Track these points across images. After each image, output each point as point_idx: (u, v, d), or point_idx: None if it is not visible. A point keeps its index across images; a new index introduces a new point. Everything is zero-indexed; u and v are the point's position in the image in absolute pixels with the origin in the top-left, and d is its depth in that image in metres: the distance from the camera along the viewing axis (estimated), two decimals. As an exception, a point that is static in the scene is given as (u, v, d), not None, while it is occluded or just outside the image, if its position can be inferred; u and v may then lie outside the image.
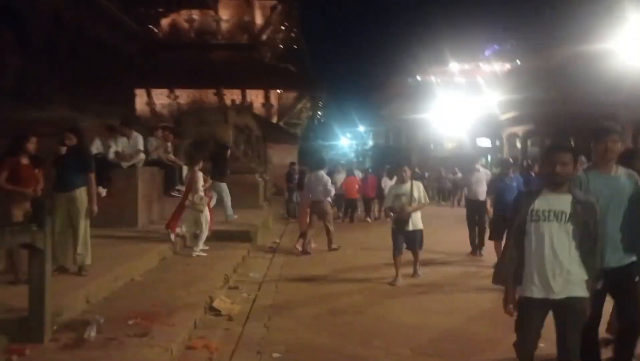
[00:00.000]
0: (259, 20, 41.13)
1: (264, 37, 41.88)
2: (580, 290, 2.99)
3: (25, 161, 5.73)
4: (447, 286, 6.93)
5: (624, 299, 3.46)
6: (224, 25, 38.93)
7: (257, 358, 4.32)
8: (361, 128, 59.11)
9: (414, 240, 7.17)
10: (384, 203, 7.62)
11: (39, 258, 4.04)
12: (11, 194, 5.51)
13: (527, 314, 3.08)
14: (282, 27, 44.61)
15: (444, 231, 10.80)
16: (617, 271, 3.34)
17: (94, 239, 6.66)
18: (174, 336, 4.35)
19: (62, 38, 13.44)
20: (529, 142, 28.61)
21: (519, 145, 29.20)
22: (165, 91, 37.21)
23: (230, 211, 11.49)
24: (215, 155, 12.51)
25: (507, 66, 39.33)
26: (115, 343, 4.06)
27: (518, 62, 36.19)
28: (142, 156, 10.22)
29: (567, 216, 2.96)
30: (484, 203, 8.84)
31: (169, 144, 12.29)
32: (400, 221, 7.08)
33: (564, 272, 2.96)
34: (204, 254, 8.14)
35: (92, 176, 5.97)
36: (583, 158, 9.64)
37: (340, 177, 15.73)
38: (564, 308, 2.99)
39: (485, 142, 33.75)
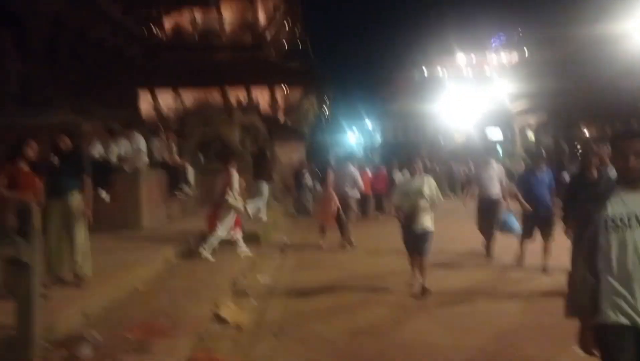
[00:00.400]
0: (262, 19, 40.85)
1: (268, 36, 41.60)
2: None
3: (24, 167, 5.43)
4: (470, 295, 6.28)
5: None
6: (227, 26, 38.70)
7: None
8: (369, 124, 58.60)
9: (423, 243, 6.32)
10: (393, 199, 6.97)
11: (25, 272, 3.71)
12: (10, 201, 5.17)
13: (614, 347, 2.34)
14: (286, 25, 44.33)
15: (456, 228, 10.01)
16: None
17: (95, 247, 6.35)
18: (176, 351, 4.02)
19: (63, 41, 13.23)
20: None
21: (531, 136, 28.62)
22: (170, 93, 37.07)
23: (262, 211, 11.53)
24: (256, 157, 12.80)
25: (515, 55, 38.79)
26: (111, 362, 3.74)
27: (526, 51, 35.62)
28: (145, 158, 9.94)
29: None
30: (497, 201, 8.33)
31: (173, 145, 12.02)
32: (408, 220, 6.33)
33: None
34: (212, 259, 7.83)
35: (89, 180, 5.66)
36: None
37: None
38: None
39: (496, 134, 33.19)
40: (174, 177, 11.13)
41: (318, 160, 29.29)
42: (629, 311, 2.30)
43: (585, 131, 27.27)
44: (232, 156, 9.13)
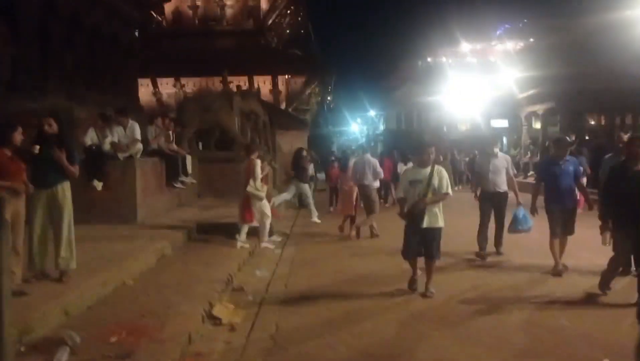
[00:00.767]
0: (264, 5, 40.32)
1: (270, 22, 41.05)
2: None
3: (8, 153, 5.05)
4: (493, 300, 5.52)
5: None
6: (229, 11, 38.17)
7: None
8: (372, 112, 58.06)
9: (430, 242, 5.60)
10: (396, 191, 6.30)
11: (-7, 268, 3.35)
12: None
13: None
14: (288, 12, 43.79)
15: (463, 220, 9.03)
16: None
17: (85, 238, 6.05)
18: (163, 356, 3.68)
19: (57, 26, 12.81)
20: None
21: (538, 125, 28.10)
22: (171, 80, 36.69)
23: (315, 214, 11.69)
24: (295, 156, 13.03)
25: (520, 44, 38.20)
26: (90, 368, 3.40)
27: (531, 40, 35.03)
28: (140, 145, 9.56)
29: None
30: (505, 194, 7.62)
31: (171, 132, 11.66)
32: (413, 214, 5.53)
33: None
34: (272, 246, 8.09)
35: (76, 167, 5.31)
36: (623, 135, 8.74)
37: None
38: None
39: (501, 123, 32.67)
40: (171, 166, 10.77)
41: (321, 149, 28.95)
42: None
43: (594, 120, 26.79)
44: (254, 145, 9.07)
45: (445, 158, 23.59)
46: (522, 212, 7.28)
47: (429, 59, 46.52)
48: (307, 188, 12.16)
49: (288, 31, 45.41)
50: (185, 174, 11.45)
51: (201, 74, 34.52)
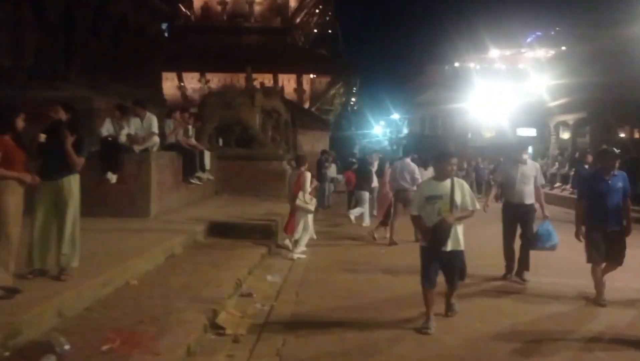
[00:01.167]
0: (292, 3, 40.15)
1: (298, 20, 40.87)
2: None
3: (10, 140, 4.80)
4: (530, 336, 4.70)
5: None
6: (257, 8, 38.13)
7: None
8: (395, 116, 57.44)
9: (452, 267, 4.93)
10: (410, 207, 5.35)
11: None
12: (5, 179, 4.51)
13: None
14: (317, 11, 43.57)
15: (486, 234, 8.27)
16: None
17: (93, 233, 5.81)
18: (157, 369, 3.39)
19: (83, 14, 12.71)
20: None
21: (566, 135, 27.31)
22: (196, 75, 36.78)
23: (365, 217, 11.76)
24: (361, 166, 13.30)
25: (552, 52, 37.36)
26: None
27: (563, 48, 34.20)
28: (157, 139, 9.34)
29: None
30: (531, 207, 6.79)
31: (190, 127, 11.43)
32: (435, 237, 4.76)
33: None
34: (304, 256, 7.91)
35: (81, 160, 5.04)
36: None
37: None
38: None
39: (529, 132, 31.86)
40: (188, 162, 10.53)
41: (342, 150, 28.55)
42: None
43: (625, 133, 25.90)
44: (304, 157, 9.02)
45: (469, 165, 23.07)
46: (547, 227, 6.54)
47: (456, 64, 45.87)
48: (366, 196, 12.08)
49: (315, 30, 45.19)
50: (203, 169, 11.21)
51: (227, 69, 34.54)
